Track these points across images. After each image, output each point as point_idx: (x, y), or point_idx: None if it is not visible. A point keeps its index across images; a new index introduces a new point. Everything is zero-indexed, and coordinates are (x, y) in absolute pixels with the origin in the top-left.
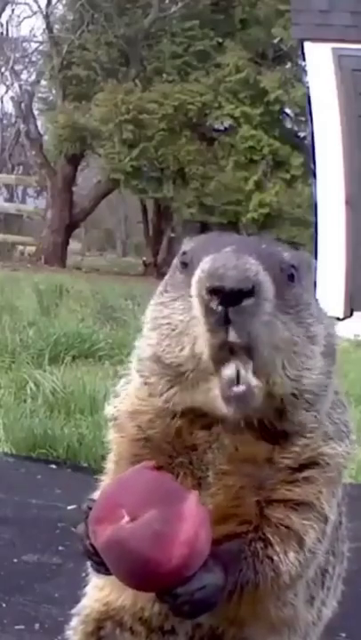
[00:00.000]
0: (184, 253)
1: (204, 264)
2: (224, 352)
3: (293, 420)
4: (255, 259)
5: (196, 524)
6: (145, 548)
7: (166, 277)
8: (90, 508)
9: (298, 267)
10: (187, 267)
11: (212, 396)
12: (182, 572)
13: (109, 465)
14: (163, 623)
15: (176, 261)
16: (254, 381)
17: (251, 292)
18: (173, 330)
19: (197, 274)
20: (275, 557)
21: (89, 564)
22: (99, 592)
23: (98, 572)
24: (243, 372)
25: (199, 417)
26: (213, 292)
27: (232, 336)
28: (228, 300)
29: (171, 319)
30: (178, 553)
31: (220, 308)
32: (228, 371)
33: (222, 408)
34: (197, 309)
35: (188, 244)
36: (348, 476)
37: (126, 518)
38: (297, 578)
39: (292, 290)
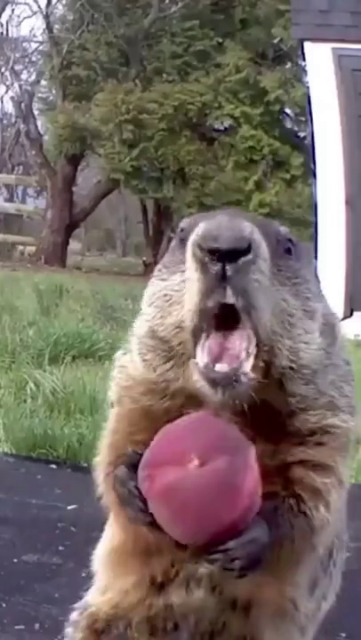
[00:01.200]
0: (181, 230)
1: (199, 228)
2: (207, 320)
3: (294, 393)
4: (251, 224)
5: (256, 477)
6: (212, 495)
7: (165, 256)
8: (137, 453)
9: (295, 242)
10: (184, 242)
11: (195, 380)
12: (239, 524)
13: (106, 427)
14: (166, 621)
15: (174, 242)
16: (246, 365)
17: (247, 250)
18: (167, 301)
19: (192, 237)
20: (308, 512)
21: (127, 510)
22: (103, 594)
23: (135, 519)
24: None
25: (190, 400)
26: (210, 252)
27: (229, 296)
28: (225, 259)
29: (166, 291)
30: (241, 504)
31: (217, 265)
32: (211, 341)
33: (207, 391)
34: (193, 270)
35: (185, 222)
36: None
37: (196, 462)
38: (327, 533)
39: (289, 262)
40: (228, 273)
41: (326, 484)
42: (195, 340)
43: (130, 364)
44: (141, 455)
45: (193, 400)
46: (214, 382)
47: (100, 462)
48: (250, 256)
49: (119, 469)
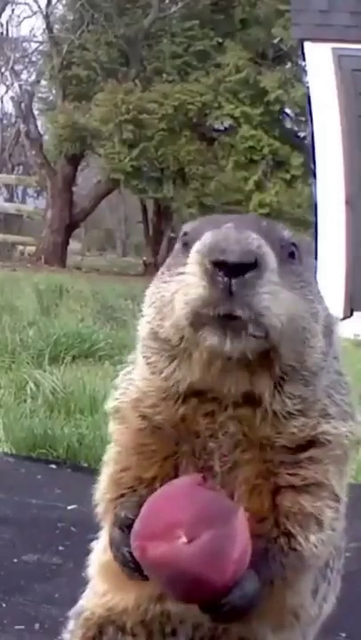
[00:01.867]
0: (185, 234)
1: (205, 238)
2: (203, 318)
3: (293, 394)
4: (256, 233)
5: (245, 540)
6: (201, 569)
7: (168, 259)
8: (129, 518)
9: (298, 245)
10: (188, 246)
11: (205, 337)
12: (229, 584)
13: (111, 452)
14: (164, 626)
15: (178, 245)
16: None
17: (253, 264)
18: (166, 302)
19: (198, 246)
20: (298, 547)
21: (123, 569)
22: (100, 598)
23: (131, 577)
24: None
25: (203, 403)
26: (216, 265)
27: (236, 309)
28: (232, 273)
29: (165, 292)
30: (230, 570)
31: (224, 278)
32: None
33: (216, 341)
34: (197, 278)
35: (189, 226)
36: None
37: (184, 539)
38: (320, 556)
39: (292, 267)
40: (234, 288)
41: (318, 507)
42: (196, 330)
43: (138, 376)
44: (133, 520)
45: (203, 403)
46: (224, 326)
47: (102, 495)
48: (255, 271)
49: (113, 531)
